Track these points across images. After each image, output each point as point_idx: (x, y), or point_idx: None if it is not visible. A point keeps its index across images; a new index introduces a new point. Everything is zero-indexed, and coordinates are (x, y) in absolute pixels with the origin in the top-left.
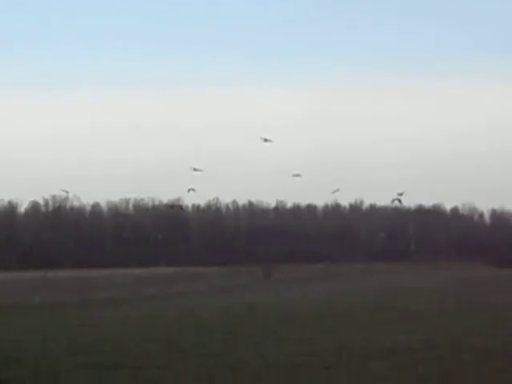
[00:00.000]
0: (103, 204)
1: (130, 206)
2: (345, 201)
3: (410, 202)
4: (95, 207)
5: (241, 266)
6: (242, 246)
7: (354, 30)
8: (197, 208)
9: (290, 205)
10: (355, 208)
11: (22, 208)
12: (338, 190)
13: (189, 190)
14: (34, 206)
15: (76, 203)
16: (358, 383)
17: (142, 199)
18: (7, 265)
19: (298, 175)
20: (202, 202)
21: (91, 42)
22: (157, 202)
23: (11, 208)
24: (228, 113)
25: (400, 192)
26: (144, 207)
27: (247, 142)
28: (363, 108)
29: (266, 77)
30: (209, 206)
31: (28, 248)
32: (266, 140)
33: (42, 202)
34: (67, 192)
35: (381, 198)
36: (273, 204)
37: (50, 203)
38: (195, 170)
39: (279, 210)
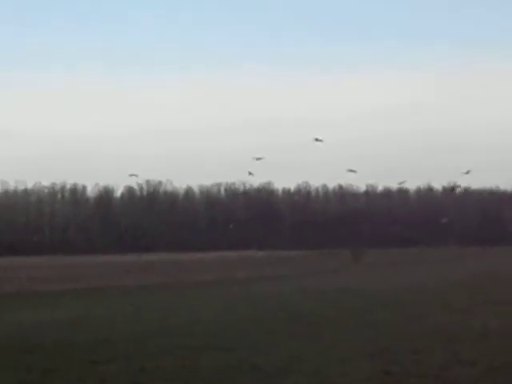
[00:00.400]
0: (196, 188)
1: (222, 190)
2: (438, 184)
3: (505, 184)
4: (188, 191)
5: (331, 250)
6: (332, 230)
7: None
8: (287, 192)
9: (380, 188)
10: (447, 191)
11: (118, 193)
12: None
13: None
14: (129, 191)
15: (169, 188)
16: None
17: (234, 183)
18: (104, 248)
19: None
20: (291, 185)
21: None
22: (248, 186)
23: (107, 193)
24: None
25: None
26: (235, 191)
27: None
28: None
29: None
30: (298, 190)
31: (124, 231)
32: (317, 140)
33: (136, 186)
34: (136, 175)
35: (474, 181)
36: (363, 188)
37: (145, 188)
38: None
39: (370, 194)
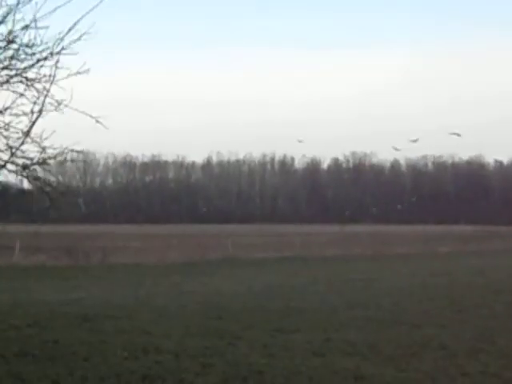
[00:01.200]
0: (402, 161)
1: (429, 163)
2: None
3: None
4: (394, 164)
5: None
6: None
7: None
8: (499, 164)
9: None
10: None
11: (325, 164)
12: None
13: None
14: (336, 163)
15: (375, 160)
16: None
17: (441, 156)
18: (311, 218)
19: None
20: (504, 158)
21: None
22: (456, 159)
23: (314, 165)
24: None
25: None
26: (443, 164)
27: None
28: None
29: None
30: None
31: (330, 203)
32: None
33: (342, 158)
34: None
35: None
36: None
37: (351, 160)
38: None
39: None
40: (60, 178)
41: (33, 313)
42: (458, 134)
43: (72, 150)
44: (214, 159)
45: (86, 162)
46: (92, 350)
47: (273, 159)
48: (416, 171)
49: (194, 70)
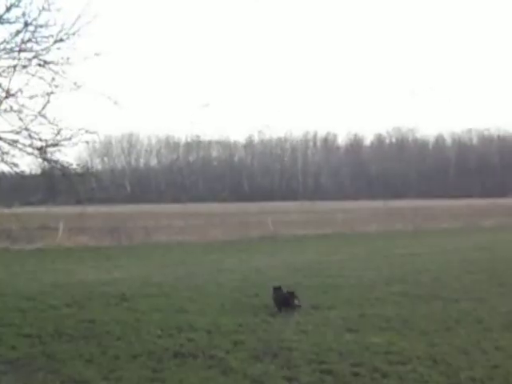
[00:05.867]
0: (447, 136)
1: (474, 137)
2: None
3: None
4: (439, 139)
5: None
6: None
7: None
8: None
9: None
10: None
11: (368, 140)
12: None
13: None
14: (379, 139)
15: (419, 135)
16: None
17: (488, 129)
18: (354, 194)
19: None
20: None
21: None
22: (502, 133)
23: (357, 140)
24: None
25: None
26: (489, 137)
27: None
28: None
29: None
30: None
31: (374, 179)
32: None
33: (386, 134)
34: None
35: None
36: None
37: (394, 135)
38: None
39: None
40: (102, 159)
41: (72, 293)
42: None
43: (86, 131)
44: (256, 138)
45: (101, 142)
46: (126, 328)
47: (315, 136)
48: (461, 145)
49: (235, 48)
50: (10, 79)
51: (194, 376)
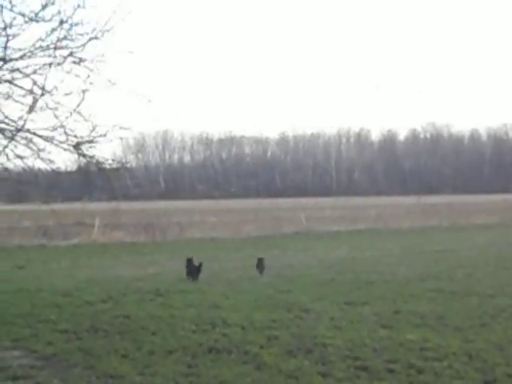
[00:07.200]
0: (482, 130)
1: (510, 132)
2: None
3: None
4: (474, 133)
5: None
6: None
7: None
8: None
9: None
10: None
11: (402, 136)
12: None
13: None
14: (413, 134)
15: (454, 130)
16: None
17: None
18: (388, 189)
19: None
20: None
21: None
22: None
23: (391, 136)
24: None
25: None
26: None
27: None
28: None
29: None
30: None
31: (407, 174)
32: None
33: (420, 129)
34: None
35: None
36: None
37: (429, 130)
38: None
39: None
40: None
41: (107, 289)
42: None
43: (121, 128)
44: (290, 133)
45: (135, 139)
46: (161, 324)
47: (348, 132)
48: (496, 139)
49: (269, 45)
50: (46, 77)
51: (229, 371)
